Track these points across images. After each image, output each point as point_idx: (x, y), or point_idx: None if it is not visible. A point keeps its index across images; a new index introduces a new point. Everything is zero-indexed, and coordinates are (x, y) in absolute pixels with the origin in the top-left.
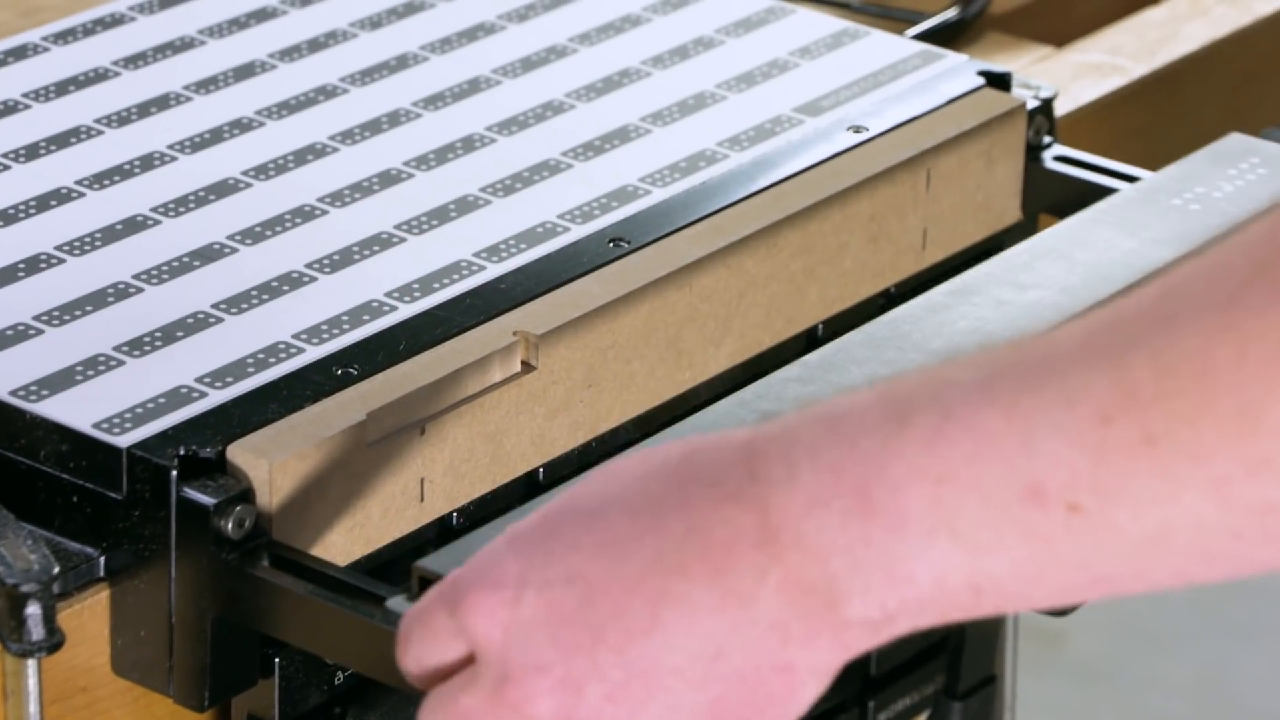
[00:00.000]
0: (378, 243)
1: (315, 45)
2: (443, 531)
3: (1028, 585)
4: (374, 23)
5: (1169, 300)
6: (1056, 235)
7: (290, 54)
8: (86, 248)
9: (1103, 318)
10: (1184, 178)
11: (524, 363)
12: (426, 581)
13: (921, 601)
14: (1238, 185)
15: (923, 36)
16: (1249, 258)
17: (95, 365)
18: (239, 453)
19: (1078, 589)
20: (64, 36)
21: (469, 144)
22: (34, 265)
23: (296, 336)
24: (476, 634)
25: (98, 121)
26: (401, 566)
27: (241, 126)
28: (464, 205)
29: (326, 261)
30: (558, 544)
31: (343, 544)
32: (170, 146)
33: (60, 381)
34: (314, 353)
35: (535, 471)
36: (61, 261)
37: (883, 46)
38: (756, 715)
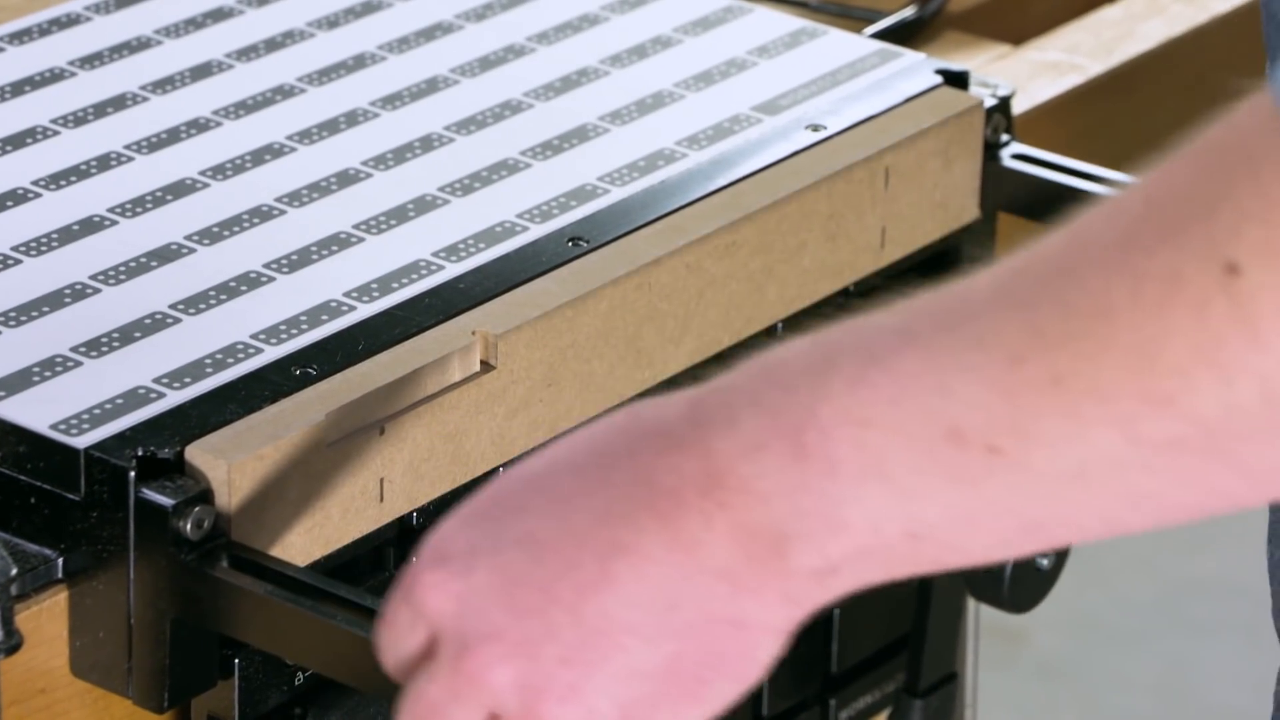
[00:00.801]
0: (336, 243)
1: (272, 45)
2: (402, 531)
3: (962, 532)
4: (331, 22)
5: (1074, 243)
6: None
7: (247, 54)
8: (43, 248)
9: (1015, 263)
10: None
11: (483, 362)
12: None
13: (861, 550)
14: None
15: (881, 35)
16: (1142, 197)
17: (52, 366)
18: (197, 453)
19: (1013, 537)
20: (19, 36)
21: (427, 143)
22: None
23: (255, 337)
24: (431, 612)
25: (54, 122)
26: (361, 567)
27: (199, 126)
28: (422, 205)
29: (285, 262)
30: (505, 510)
31: (302, 544)
32: (127, 147)
33: (17, 382)
34: (272, 353)
35: (495, 471)
36: (18, 262)
37: (841, 45)
38: (713, 674)
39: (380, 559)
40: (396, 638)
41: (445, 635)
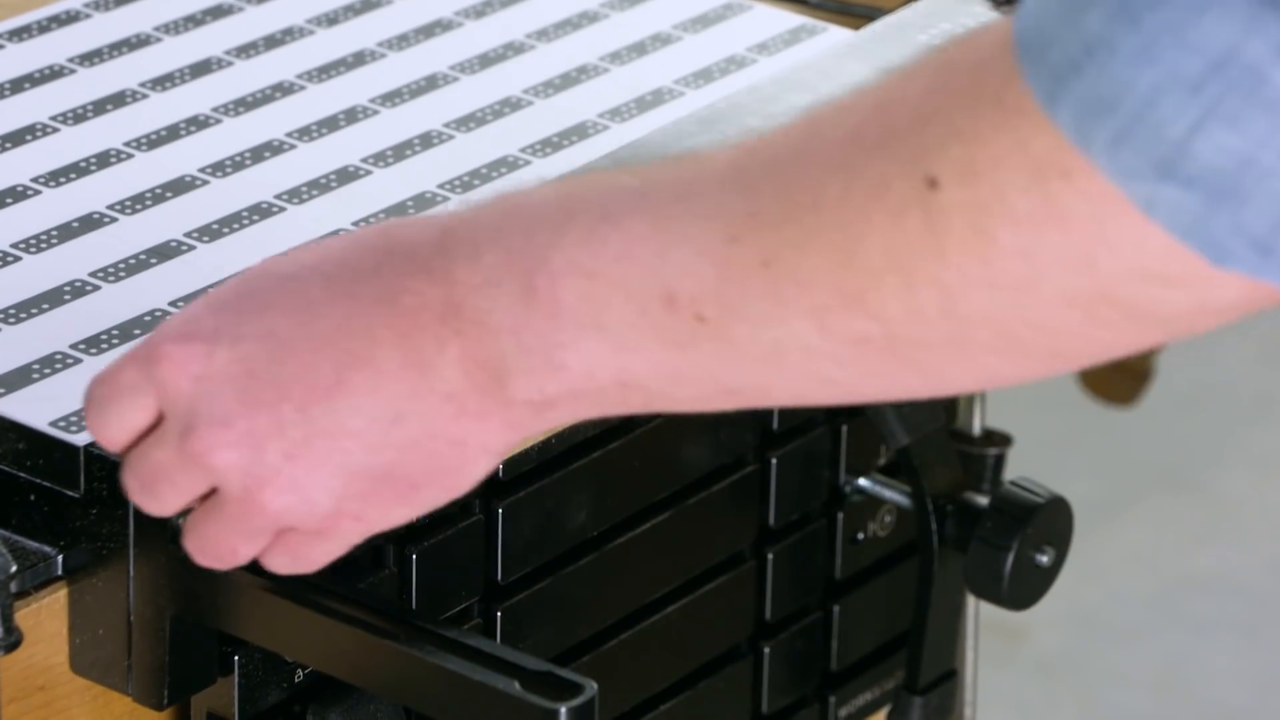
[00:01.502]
0: None
1: (272, 42)
2: (402, 528)
3: (667, 386)
4: (331, 19)
5: (806, 134)
6: (805, 68)
7: (247, 51)
8: (43, 245)
9: (751, 143)
10: (932, 13)
11: None
12: None
13: (575, 391)
14: (983, 22)
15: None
16: (875, 100)
17: (52, 363)
18: None
19: (712, 397)
20: (19, 33)
21: (426, 140)
22: None
23: None
24: (167, 385)
25: (54, 119)
26: (360, 563)
27: (198, 124)
28: (422, 202)
29: None
30: (253, 303)
31: None
32: (127, 144)
33: (17, 380)
34: None
35: (495, 468)
36: (18, 259)
37: (840, 42)
38: (427, 482)
39: (379, 555)
40: (120, 402)
41: (175, 412)
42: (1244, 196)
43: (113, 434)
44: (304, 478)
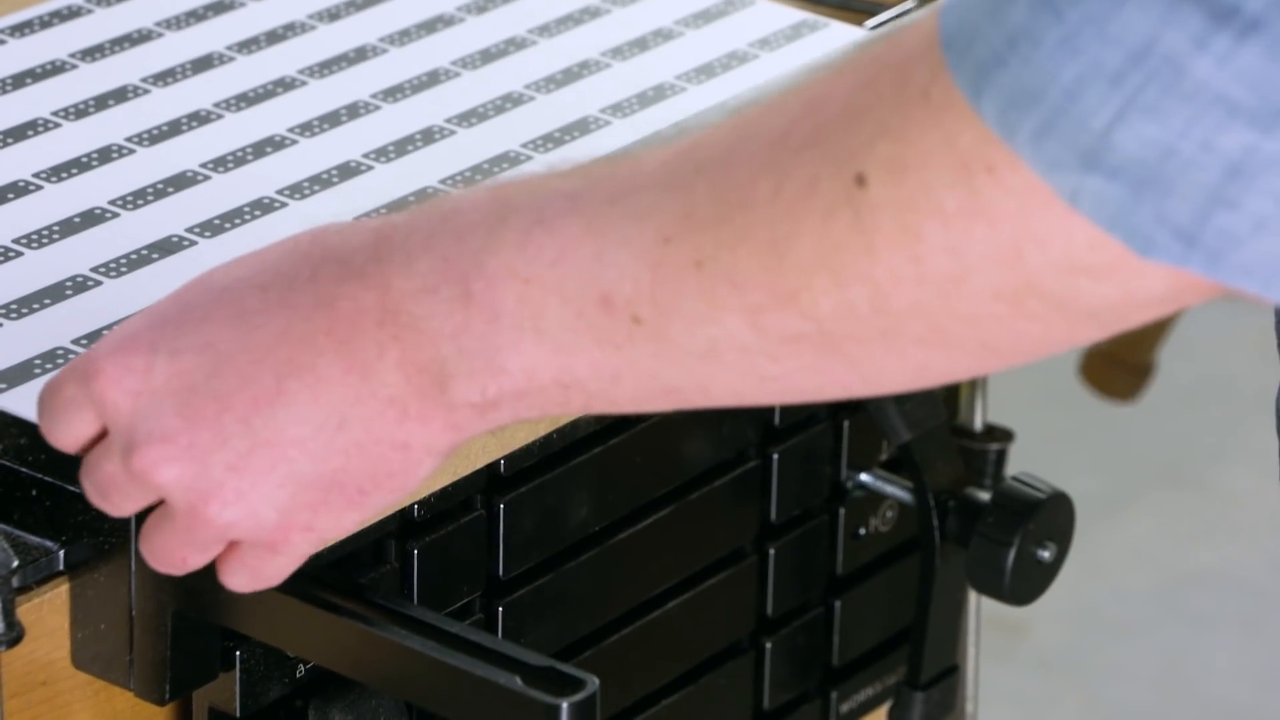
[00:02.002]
0: None
1: (273, 37)
2: (403, 524)
3: (607, 387)
4: (332, 15)
5: (738, 134)
6: (776, 81)
7: (248, 46)
8: (44, 241)
9: (684, 144)
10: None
11: None
12: None
13: (517, 392)
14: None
15: (882, 27)
16: (804, 99)
17: (53, 359)
18: None
19: (652, 396)
20: (20, 29)
21: (428, 136)
22: None
23: None
24: (105, 401)
25: (55, 114)
26: (362, 559)
27: (200, 119)
28: (424, 198)
29: None
30: (190, 316)
31: None
32: (128, 139)
33: (18, 375)
34: None
35: (496, 464)
36: (19, 255)
37: (842, 38)
38: (374, 487)
39: (380, 551)
40: (67, 415)
41: (117, 427)
42: (1166, 187)
43: (63, 443)
44: (249, 490)
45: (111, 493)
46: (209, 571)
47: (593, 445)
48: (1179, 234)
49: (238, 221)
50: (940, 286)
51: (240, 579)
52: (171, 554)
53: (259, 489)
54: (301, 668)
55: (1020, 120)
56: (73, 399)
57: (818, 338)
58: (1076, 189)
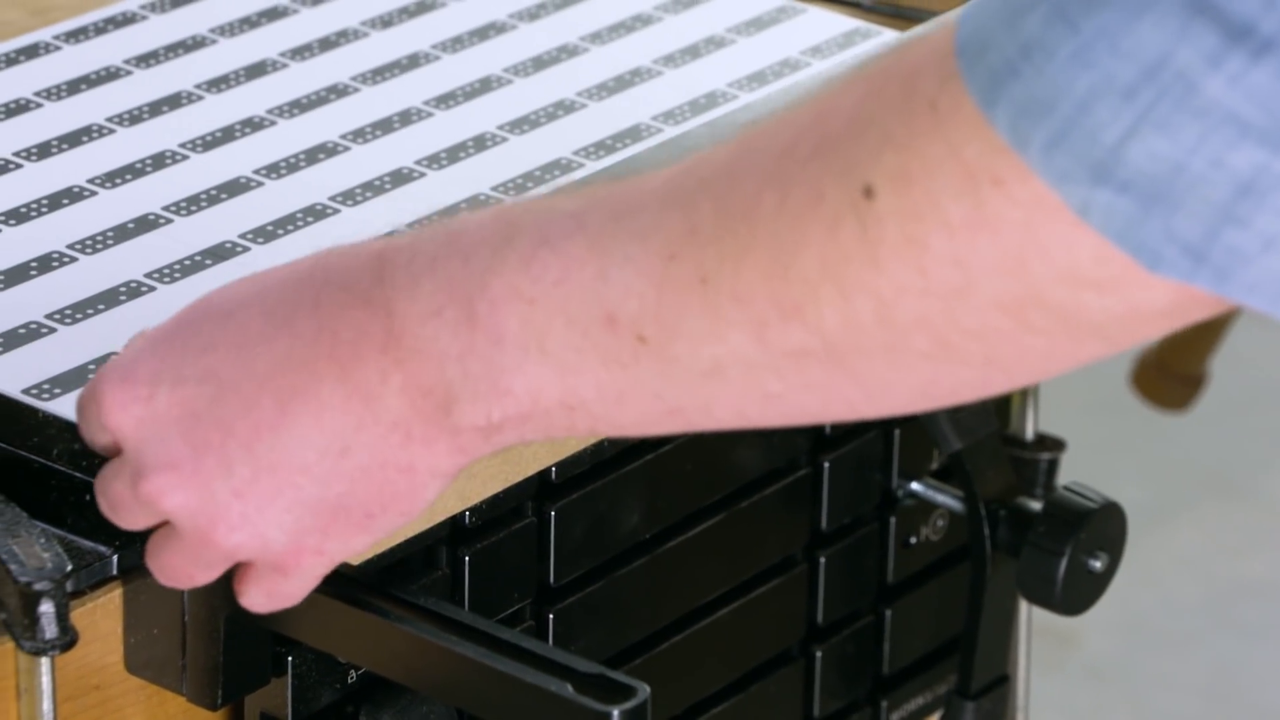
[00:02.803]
0: None
1: (326, 44)
2: (454, 530)
3: (612, 408)
4: (385, 21)
5: (743, 148)
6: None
7: (301, 53)
8: (99, 246)
9: (688, 161)
10: None
11: None
12: None
13: (522, 414)
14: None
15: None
16: (812, 111)
17: None
18: None
19: (657, 418)
20: (75, 35)
21: (480, 143)
22: (46, 264)
23: None
24: (112, 428)
25: (109, 120)
26: (413, 565)
27: (253, 125)
28: (476, 204)
29: None
30: (192, 343)
31: None
32: (182, 145)
33: (73, 380)
34: None
35: (548, 471)
36: (74, 260)
37: None
38: (381, 510)
39: (432, 557)
40: (90, 430)
41: (126, 450)
42: (1176, 202)
43: (99, 450)
44: (255, 514)
45: (121, 511)
46: None
47: (644, 452)
48: (1188, 250)
49: (290, 228)
50: (945, 299)
51: (256, 599)
52: (178, 571)
53: (265, 514)
54: (353, 673)
55: (1032, 131)
56: (89, 418)
57: (823, 352)
58: (1086, 201)
